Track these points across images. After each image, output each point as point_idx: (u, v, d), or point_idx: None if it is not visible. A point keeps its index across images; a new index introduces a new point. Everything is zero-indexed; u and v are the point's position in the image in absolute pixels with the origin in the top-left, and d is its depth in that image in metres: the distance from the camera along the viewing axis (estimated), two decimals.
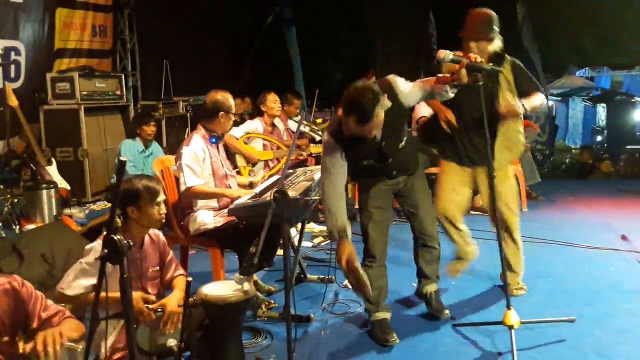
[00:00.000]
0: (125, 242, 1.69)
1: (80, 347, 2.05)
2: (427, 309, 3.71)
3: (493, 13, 3.61)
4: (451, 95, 3.22)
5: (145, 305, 2.66)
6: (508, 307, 3.18)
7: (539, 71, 9.36)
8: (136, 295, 2.65)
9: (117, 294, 2.07)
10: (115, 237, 1.67)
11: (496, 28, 3.59)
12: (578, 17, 10.08)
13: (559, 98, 21.50)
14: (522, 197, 6.41)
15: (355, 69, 11.07)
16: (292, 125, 6.03)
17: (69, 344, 2.08)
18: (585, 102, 18.86)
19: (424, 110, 5.25)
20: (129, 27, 8.69)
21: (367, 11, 9.80)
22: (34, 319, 2.22)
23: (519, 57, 3.83)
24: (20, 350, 2.06)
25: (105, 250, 1.68)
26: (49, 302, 2.31)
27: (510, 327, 3.15)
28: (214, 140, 3.90)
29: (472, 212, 6.19)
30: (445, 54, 3.09)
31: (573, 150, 12.01)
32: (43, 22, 6.90)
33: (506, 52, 3.72)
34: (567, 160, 10.91)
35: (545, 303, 3.83)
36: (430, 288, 3.68)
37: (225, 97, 3.91)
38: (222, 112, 3.86)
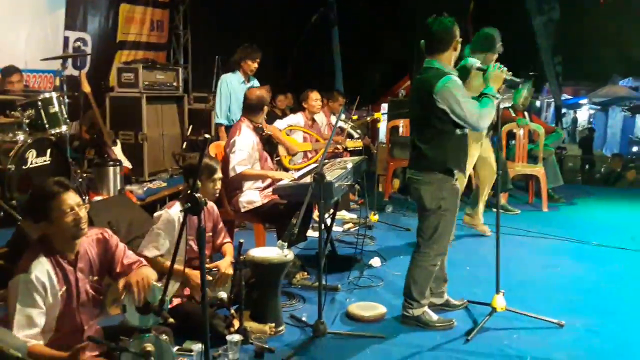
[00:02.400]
0: (202, 198, 2.24)
1: (160, 284, 2.59)
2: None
3: None
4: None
5: None
6: (497, 291, 3.54)
7: (551, 81, 9.64)
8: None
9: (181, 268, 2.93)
10: (195, 194, 2.21)
11: None
12: (626, 26, 10.18)
13: (599, 107, 21.28)
14: (543, 198, 6.82)
15: (394, 71, 11.53)
16: (334, 120, 6.58)
17: (153, 282, 2.63)
18: (625, 112, 18.75)
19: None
20: (183, 23, 9.33)
21: (405, 13, 10.15)
22: (118, 265, 2.75)
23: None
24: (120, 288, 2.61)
25: (188, 204, 2.23)
26: (129, 252, 2.83)
27: (494, 310, 3.50)
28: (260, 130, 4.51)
29: None
30: (473, 62, 3.50)
31: (609, 160, 12.13)
32: (108, 16, 7.59)
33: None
34: (602, 169, 11.10)
35: (544, 291, 4.21)
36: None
37: (267, 94, 4.56)
38: (265, 106, 4.48)
